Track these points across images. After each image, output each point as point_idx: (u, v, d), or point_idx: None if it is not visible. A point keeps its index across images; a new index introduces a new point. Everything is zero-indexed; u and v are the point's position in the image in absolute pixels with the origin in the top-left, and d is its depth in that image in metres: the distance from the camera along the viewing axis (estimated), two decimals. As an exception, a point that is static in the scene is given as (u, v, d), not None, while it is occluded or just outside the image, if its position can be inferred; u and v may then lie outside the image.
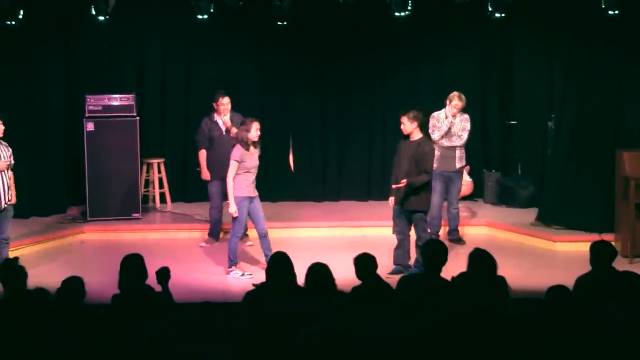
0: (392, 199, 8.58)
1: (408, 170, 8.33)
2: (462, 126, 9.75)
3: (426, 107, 10.37)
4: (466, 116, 9.83)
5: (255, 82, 11.85)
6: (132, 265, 5.94)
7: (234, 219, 8.52)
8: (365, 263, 6.10)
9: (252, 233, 9.68)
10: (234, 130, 9.53)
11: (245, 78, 11.80)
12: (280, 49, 11.69)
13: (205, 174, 9.74)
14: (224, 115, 9.67)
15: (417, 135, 8.48)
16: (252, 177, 8.50)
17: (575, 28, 9.96)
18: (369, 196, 11.89)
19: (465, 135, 9.75)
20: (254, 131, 8.46)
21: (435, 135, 9.62)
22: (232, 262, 8.60)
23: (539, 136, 11.30)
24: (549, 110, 11.04)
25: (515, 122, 11.76)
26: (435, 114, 9.84)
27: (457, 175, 9.84)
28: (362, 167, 12.02)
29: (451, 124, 9.68)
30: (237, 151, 8.46)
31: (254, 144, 8.53)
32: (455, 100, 9.71)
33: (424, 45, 11.86)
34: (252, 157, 8.52)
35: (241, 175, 8.46)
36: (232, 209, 8.46)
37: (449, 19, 11.49)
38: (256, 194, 8.63)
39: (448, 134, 9.71)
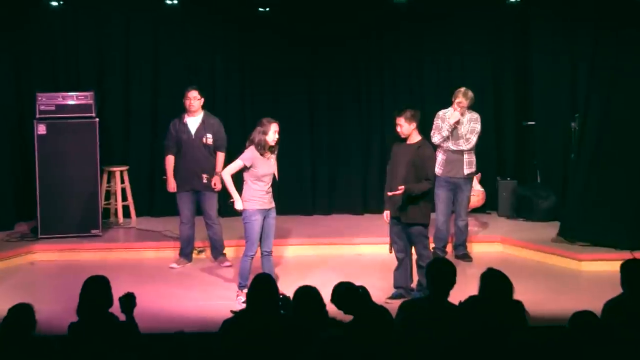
0: (387, 213, 8.50)
1: (406, 177, 8.26)
2: (470, 128, 9.76)
3: (431, 108, 10.40)
4: (476, 116, 9.85)
5: (234, 81, 11.87)
6: (96, 288, 5.88)
7: (245, 235, 8.43)
8: (344, 297, 5.96)
9: (230, 253, 9.69)
10: (209, 137, 9.52)
11: (223, 76, 11.82)
12: (263, 44, 11.70)
13: (172, 185, 9.71)
14: (192, 110, 9.59)
15: (415, 137, 8.43)
16: (265, 186, 8.35)
17: (600, 17, 10.01)
18: (365, 209, 11.91)
19: (473, 139, 9.76)
20: (272, 134, 8.32)
21: (435, 139, 9.62)
22: (240, 286, 8.45)
23: (561, 139, 11.35)
24: (572, 110, 11.09)
25: (533, 123, 11.81)
26: (440, 112, 9.86)
27: (465, 183, 9.85)
28: (357, 175, 12.04)
29: (451, 126, 9.67)
30: (249, 152, 8.34)
31: (271, 149, 8.41)
32: (460, 98, 9.72)
33: (428, 38, 11.93)
34: (266, 164, 8.37)
35: (251, 184, 8.36)
36: (238, 204, 8.35)
37: (457, 8, 11.53)
38: (272, 205, 8.49)
39: (455, 136, 9.72)
